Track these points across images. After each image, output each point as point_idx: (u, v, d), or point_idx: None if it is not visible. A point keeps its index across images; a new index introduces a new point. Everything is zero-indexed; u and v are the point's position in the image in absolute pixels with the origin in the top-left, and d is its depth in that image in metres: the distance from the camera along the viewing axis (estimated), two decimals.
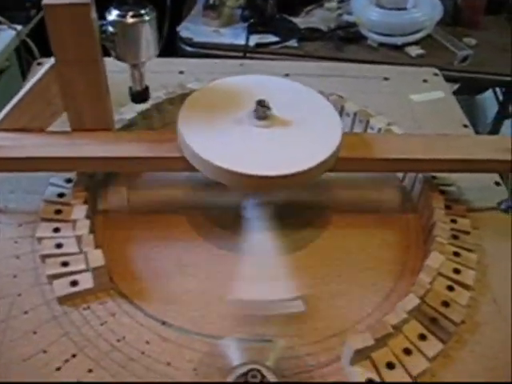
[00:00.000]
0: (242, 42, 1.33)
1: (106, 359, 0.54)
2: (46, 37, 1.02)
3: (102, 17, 0.59)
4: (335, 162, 0.62)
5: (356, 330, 0.58)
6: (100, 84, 0.60)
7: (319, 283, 0.63)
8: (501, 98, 1.61)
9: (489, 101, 1.80)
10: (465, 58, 1.31)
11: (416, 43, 1.37)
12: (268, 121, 0.61)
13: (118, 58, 0.61)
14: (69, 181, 0.68)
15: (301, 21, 1.42)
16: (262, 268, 0.59)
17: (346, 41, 1.36)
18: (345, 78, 0.94)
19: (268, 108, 0.60)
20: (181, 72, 0.91)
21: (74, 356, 0.54)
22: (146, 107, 0.76)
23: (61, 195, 0.67)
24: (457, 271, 0.62)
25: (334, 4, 1.48)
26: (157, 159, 0.61)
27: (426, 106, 0.91)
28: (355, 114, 0.80)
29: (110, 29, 0.58)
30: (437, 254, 0.62)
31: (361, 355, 0.53)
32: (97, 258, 0.58)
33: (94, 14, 0.57)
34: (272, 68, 0.95)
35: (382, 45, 1.38)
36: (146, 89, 0.65)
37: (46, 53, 1.00)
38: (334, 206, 0.72)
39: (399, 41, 1.37)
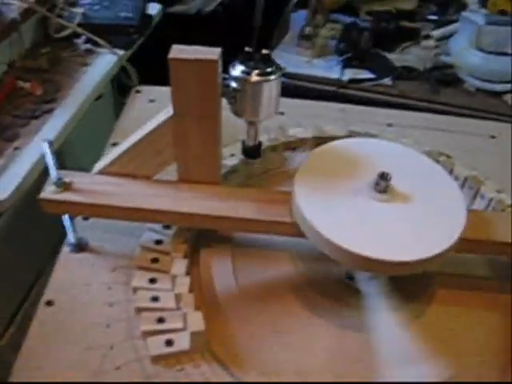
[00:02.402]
0: (334, 75, 1.29)
1: None
2: (145, 63, 1.02)
3: (224, 70, 0.57)
4: None
5: None
6: (215, 138, 0.58)
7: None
8: None
9: None
10: None
11: None
12: (388, 195, 0.57)
13: (236, 114, 0.59)
14: (167, 227, 0.66)
15: (396, 57, 1.37)
16: (397, 350, 0.56)
17: (442, 83, 1.30)
18: (450, 134, 0.90)
19: (390, 181, 0.57)
20: (281, 113, 0.89)
21: None
22: None
23: (158, 242, 0.65)
24: None
25: (431, 43, 1.42)
26: (266, 222, 0.59)
27: None
28: (465, 180, 0.75)
29: (233, 84, 0.56)
30: None
31: None
32: (197, 321, 0.56)
33: (219, 69, 0.55)
34: (375, 116, 0.91)
35: (479, 90, 1.32)
36: (259, 145, 0.62)
37: (144, 79, 1.01)
38: (441, 281, 0.67)
39: (498, 87, 1.30)
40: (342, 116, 0.90)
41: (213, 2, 1.71)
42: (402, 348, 0.57)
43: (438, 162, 0.77)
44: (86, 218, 0.69)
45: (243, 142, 0.63)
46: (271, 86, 0.56)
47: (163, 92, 0.92)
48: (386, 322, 0.59)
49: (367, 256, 0.53)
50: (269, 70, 0.56)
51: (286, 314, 0.62)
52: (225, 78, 0.57)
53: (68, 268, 0.64)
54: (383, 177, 0.56)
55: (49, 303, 0.60)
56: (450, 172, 0.77)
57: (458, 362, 0.59)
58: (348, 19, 1.47)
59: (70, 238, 0.65)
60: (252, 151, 0.62)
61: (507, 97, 1.29)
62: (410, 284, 0.67)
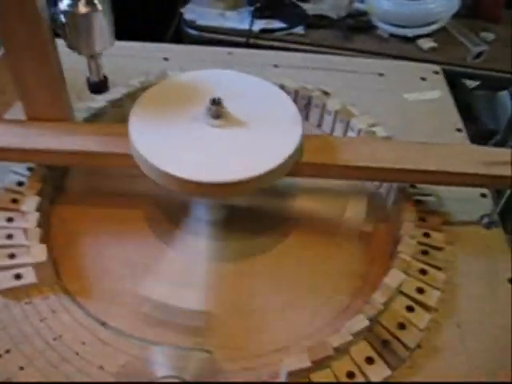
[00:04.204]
0: (247, 26, 1.29)
1: (40, 358, 0.52)
2: None
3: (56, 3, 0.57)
4: (295, 167, 0.59)
5: (301, 347, 0.55)
6: (53, 71, 0.58)
7: (272, 292, 0.60)
8: None
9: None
10: (479, 54, 1.25)
11: (429, 35, 1.31)
12: (223, 120, 0.58)
13: (71, 48, 0.58)
14: (31, 169, 0.67)
15: (311, 7, 1.37)
16: (186, 273, 0.58)
17: (355, 30, 1.30)
18: (336, 72, 0.90)
19: (222, 106, 0.57)
20: (165, 58, 0.89)
21: (7, 352, 0.53)
22: (118, 96, 0.74)
23: (20, 184, 0.65)
24: (420, 291, 0.58)
25: None
26: (108, 155, 0.59)
27: (421, 107, 0.86)
28: (336, 113, 0.76)
29: (62, 19, 0.56)
30: (396, 271, 0.58)
31: (297, 377, 0.50)
32: (40, 253, 0.57)
33: (41, 1, 0.54)
34: (260, 58, 0.92)
35: (392, 36, 1.32)
36: (105, 79, 0.62)
37: None
38: (298, 214, 0.69)
39: (411, 32, 1.30)
40: (228, 59, 0.90)
41: None
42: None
43: (310, 97, 0.78)
44: None
45: (88, 78, 0.63)
46: (100, 16, 0.56)
47: None
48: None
49: (199, 181, 0.54)
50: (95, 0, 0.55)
51: (141, 246, 0.63)
52: (55, 13, 0.56)
53: None
54: (214, 102, 0.57)
55: None
56: (323, 107, 0.78)
57: (310, 288, 0.61)
58: None
59: None
60: (98, 86, 0.62)
61: (420, 41, 1.30)
62: (268, 216, 0.68)
